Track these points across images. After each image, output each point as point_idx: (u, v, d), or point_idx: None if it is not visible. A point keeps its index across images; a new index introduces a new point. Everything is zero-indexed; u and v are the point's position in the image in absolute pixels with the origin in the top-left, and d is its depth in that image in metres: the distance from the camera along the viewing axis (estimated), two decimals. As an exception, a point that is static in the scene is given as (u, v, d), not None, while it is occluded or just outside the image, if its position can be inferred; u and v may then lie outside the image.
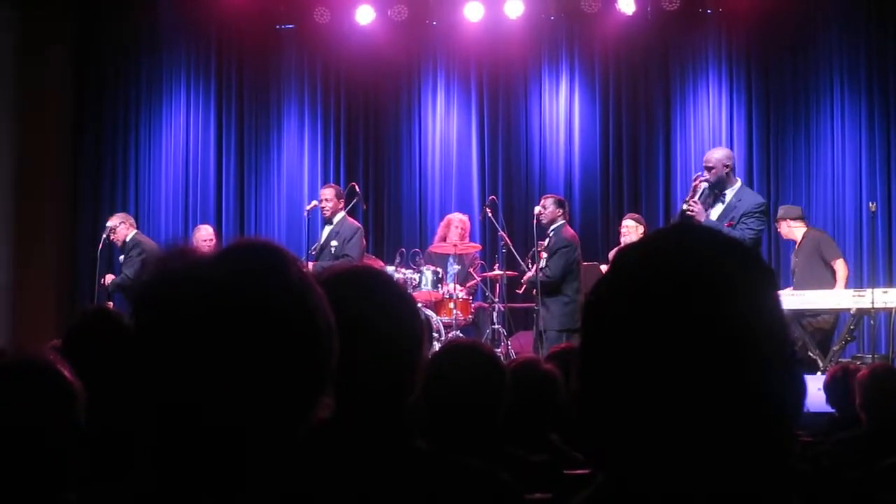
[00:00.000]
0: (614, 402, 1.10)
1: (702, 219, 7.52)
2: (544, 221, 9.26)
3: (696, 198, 7.69)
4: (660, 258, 1.13)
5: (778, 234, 10.08)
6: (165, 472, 1.23)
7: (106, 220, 10.25)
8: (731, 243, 1.16)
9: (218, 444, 1.21)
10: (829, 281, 9.10)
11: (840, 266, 9.15)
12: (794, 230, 9.46)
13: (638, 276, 1.13)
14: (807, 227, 9.53)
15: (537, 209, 9.36)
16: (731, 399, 1.07)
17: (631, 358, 1.09)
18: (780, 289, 1.18)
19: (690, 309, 1.08)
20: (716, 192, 7.76)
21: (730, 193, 7.71)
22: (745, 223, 7.47)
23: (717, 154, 7.95)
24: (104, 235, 9.86)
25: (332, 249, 9.13)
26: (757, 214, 7.60)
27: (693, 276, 1.10)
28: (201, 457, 1.22)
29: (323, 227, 9.54)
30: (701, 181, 7.77)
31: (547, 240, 9.25)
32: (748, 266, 1.13)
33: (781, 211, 9.56)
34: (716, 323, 1.08)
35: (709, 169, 7.77)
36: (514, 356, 8.55)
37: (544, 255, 9.06)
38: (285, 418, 1.24)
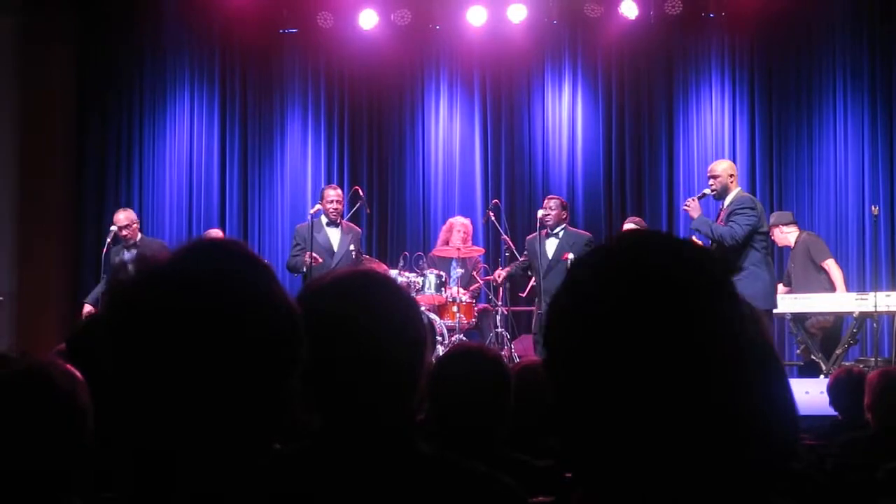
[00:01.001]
0: (580, 416, 1.10)
1: (694, 215, 7.95)
2: (551, 223, 9.27)
3: (696, 198, 7.95)
4: (612, 269, 1.12)
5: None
6: (141, 477, 1.23)
7: (110, 224, 10.21)
8: (684, 250, 1.15)
9: (186, 446, 1.21)
10: (823, 283, 9.11)
11: (831, 266, 9.17)
12: (787, 235, 9.47)
13: (591, 288, 1.12)
14: (799, 230, 9.54)
15: (542, 212, 9.34)
16: (690, 404, 1.06)
17: (589, 370, 1.08)
18: (737, 293, 1.16)
19: (644, 318, 1.07)
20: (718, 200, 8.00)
21: (728, 199, 7.92)
22: (732, 220, 7.70)
23: (723, 164, 8.27)
24: (108, 239, 9.84)
25: (353, 254, 9.15)
26: (742, 210, 7.81)
27: (646, 285, 1.09)
28: (170, 459, 1.21)
29: (319, 230, 9.42)
30: (707, 191, 8.02)
31: (553, 239, 9.23)
32: (701, 271, 1.12)
33: (773, 218, 9.56)
34: (671, 331, 1.07)
35: (714, 177, 7.94)
36: (517, 359, 8.57)
37: (570, 256, 9.04)
38: (251, 419, 1.23)
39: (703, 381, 1.07)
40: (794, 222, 9.63)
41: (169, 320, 1.20)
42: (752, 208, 7.80)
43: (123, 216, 9.87)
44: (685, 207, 8.05)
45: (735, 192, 7.99)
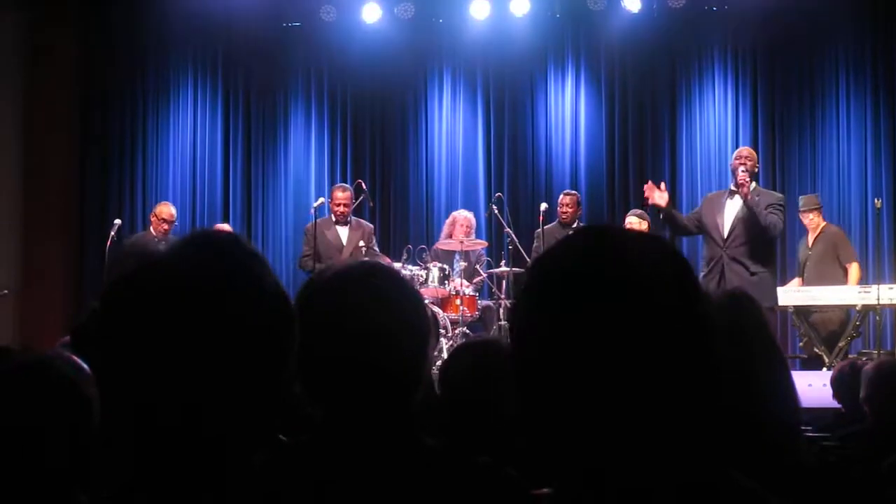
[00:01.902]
0: (546, 412, 1.10)
1: (747, 189, 7.83)
2: (568, 219, 9.37)
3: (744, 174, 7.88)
4: (571, 264, 1.12)
5: (785, 224, 10.06)
6: (145, 471, 1.23)
7: (113, 217, 10.21)
8: (643, 242, 1.15)
9: (184, 438, 1.21)
10: (840, 280, 9.08)
11: (854, 269, 9.10)
12: (812, 220, 9.38)
13: (550, 284, 1.11)
14: (823, 220, 9.47)
15: (562, 201, 9.48)
16: (653, 396, 1.06)
17: (552, 367, 1.08)
18: (699, 282, 1.15)
19: (605, 312, 1.07)
20: (732, 188, 7.96)
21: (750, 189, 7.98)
22: (774, 213, 7.74)
23: (751, 151, 8.37)
24: (112, 232, 9.84)
25: (364, 250, 9.16)
26: (781, 208, 7.98)
27: (605, 279, 1.09)
28: (174, 452, 1.22)
29: (328, 227, 9.44)
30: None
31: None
32: (663, 263, 1.12)
33: (806, 200, 9.50)
34: (632, 324, 1.06)
35: (750, 160, 8.00)
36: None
37: None
38: (247, 410, 1.24)
39: (670, 368, 1.06)
40: (820, 208, 9.53)
41: (164, 313, 1.20)
42: (785, 208, 7.96)
43: (168, 211, 9.86)
44: (743, 180, 7.88)
45: (753, 184, 8.06)
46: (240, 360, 1.22)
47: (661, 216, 8.30)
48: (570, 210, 9.35)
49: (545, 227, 9.55)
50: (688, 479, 1.07)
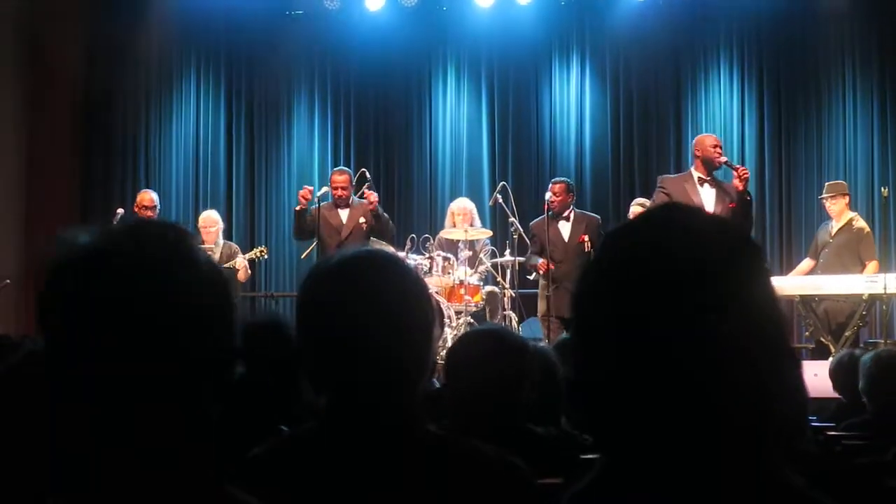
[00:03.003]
0: (610, 389, 1.09)
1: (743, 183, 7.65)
2: (556, 208, 9.11)
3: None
4: (647, 243, 1.11)
5: (790, 214, 10.03)
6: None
7: (116, 204, 10.19)
8: (721, 224, 1.14)
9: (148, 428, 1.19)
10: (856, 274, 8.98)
11: (872, 266, 8.99)
12: (834, 207, 9.19)
13: (625, 261, 1.10)
14: (849, 209, 9.28)
15: (548, 195, 9.18)
16: (721, 380, 1.05)
17: (622, 345, 1.07)
18: (770, 271, 1.14)
19: (680, 294, 1.06)
20: (701, 176, 7.82)
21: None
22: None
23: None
24: (115, 221, 9.81)
25: (364, 227, 9.12)
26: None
27: (682, 259, 1.08)
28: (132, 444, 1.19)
29: (329, 210, 9.39)
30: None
31: (564, 222, 9.12)
32: (740, 248, 1.11)
33: (830, 186, 9.33)
34: (706, 307, 1.06)
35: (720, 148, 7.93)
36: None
37: (586, 238, 8.94)
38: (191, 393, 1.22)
39: (739, 356, 1.06)
40: (845, 195, 9.32)
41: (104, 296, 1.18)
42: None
43: (148, 197, 9.82)
44: (747, 174, 7.77)
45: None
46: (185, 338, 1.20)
47: None
48: (557, 199, 9.10)
49: (534, 221, 9.38)
50: (740, 470, 1.07)
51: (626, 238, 1.14)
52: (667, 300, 1.06)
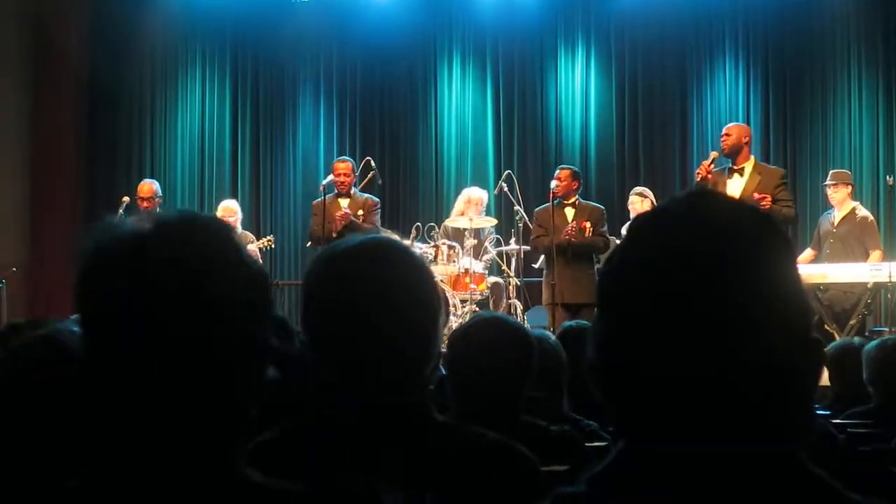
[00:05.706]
0: (633, 374, 1.10)
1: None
2: (560, 193, 9.04)
3: (710, 165, 7.79)
4: (673, 227, 1.11)
5: (796, 203, 9.97)
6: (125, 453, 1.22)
7: (122, 194, 10.19)
8: (747, 211, 1.13)
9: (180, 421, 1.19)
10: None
11: (876, 255, 8.97)
12: (837, 195, 9.17)
13: (651, 246, 1.10)
14: (853, 198, 9.25)
15: (553, 182, 9.13)
16: (745, 367, 1.05)
17: (647, 331, 1.07)
18: (796, 258, 1.14)
19: (706, 279, 1.06)
20: (732, 166, 7.87)
21: (748, 168, 7.90)
22: (780, 198, 7.64)
23: (740, 126, 8.20)
24: (121, 210, 9.81)
25: (360, 219, 9.12)
26: (785, 183, 7.95)
27: (708, 245, 1.08)
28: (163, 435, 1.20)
29: (332, 201, 9.39)
30: (715, 153, 7.90)
31: (570, 209, 9.05)
32: (767, 234, 1.11)
33: (833, 174, 9.30)
34: (733, 294, 1.05)
35: (727, 136, 7.87)
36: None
37: (587, 224, 8.90)
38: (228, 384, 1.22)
39: (763, 342, 1.06)
40: (848, 185, 9.30)
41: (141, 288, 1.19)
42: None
43: (147, 187, 9.83)
44: (699, 175, 7.79)
45: (752, 161, 7.97)
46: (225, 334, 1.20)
47: None
48: (561, 184, 9.00)
49: (539, 207, 9.32)
50: (764, 457, 1.07)
51: (661, 218, 1.14)
52: (689, 283, 1.06)
